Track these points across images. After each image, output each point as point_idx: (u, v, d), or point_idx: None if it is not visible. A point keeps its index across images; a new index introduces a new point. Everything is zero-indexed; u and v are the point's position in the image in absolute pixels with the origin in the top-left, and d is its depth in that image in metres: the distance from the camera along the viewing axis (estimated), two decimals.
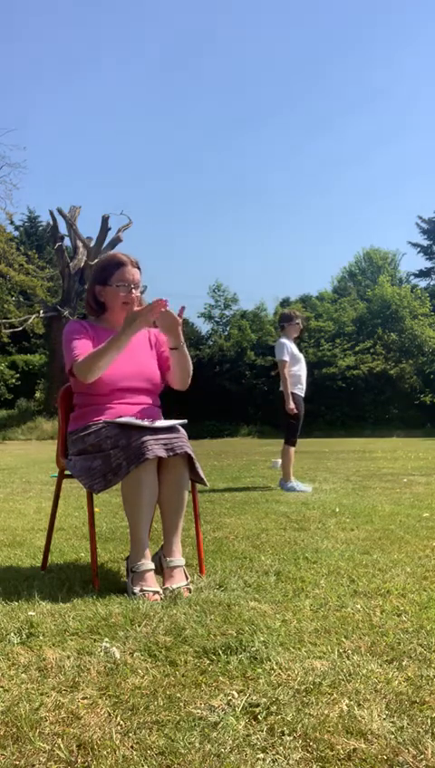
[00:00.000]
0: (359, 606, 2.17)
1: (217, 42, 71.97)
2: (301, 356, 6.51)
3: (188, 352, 2.74)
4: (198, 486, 2.75)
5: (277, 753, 1.26)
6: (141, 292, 2.76)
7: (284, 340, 6.45)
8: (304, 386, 6.46)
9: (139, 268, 2.73)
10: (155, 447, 2.40)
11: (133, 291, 2.70)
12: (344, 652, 1.76)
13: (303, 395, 6.46)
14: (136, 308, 2.70)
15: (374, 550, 3.09)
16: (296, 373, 6.40)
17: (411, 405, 25.94)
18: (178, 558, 2.48)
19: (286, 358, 6.31)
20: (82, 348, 2.61)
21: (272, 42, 68.93)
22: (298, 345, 6.65)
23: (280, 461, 6.65)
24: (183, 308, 2.62)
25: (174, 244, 70.03)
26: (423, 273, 37.37)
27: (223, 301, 30.97)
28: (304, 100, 69.94)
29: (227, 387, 26.63)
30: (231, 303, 31.07)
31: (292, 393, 6.31)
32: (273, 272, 66.11)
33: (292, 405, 6.25)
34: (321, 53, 68.33)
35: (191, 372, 2.78)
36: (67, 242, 27.14)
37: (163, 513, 2.54)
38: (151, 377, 2.72)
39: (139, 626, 1.98)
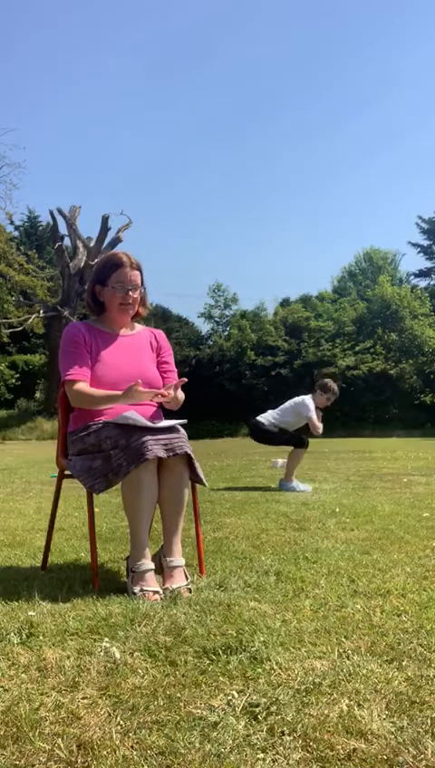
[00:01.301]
0: (359, 606, 2.17)
1: (218, 42, 72.01)
2: (316, 420, 6.39)
3: (179, 396, 2.68)
4: (198, 486, 2.75)
5: (277, 753, 1.26)
6: (141, 295, 2.76)
7: (310, 401, 6.38)
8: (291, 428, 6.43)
9: (139, 269, 2.72)
10: (155, 448, 2.40)
11: (130, 293, 2.69)
12: (344, 652, 1.76)
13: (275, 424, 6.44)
14: (128, 305, 2.72)
15: (374, 550, 3.09)
16: (291, 420, 6.39)
17: (411, 405, 25.95)
18: (178, 558, 2.48)
19: (312, 415, 6.27)
20: (79, 367, 2.62)
21: (275, 41, 68.96)
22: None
23: (280, 461, 6.67)
24: (183, 380, 2.63)
25: (174, 244, 70.08)
26: (423, 273, 37.39)
27: (223, 301, 31.03)
28: (304, 100, 69.98)
29: (227, 387, 26.66)
30: (231, 303, 31.14)
31: (284, 429, 6.34)
32: (273, 272, 66.19)
33: (319, 427, 6.31)
34: (322, 54, 68.38)
35: (183, 400, 2.75)
36: (67, 242, 27.16)
37: (163, 514, 2.54)
38: (151, 380, 2.72)
39: (139, 626, 1.98)
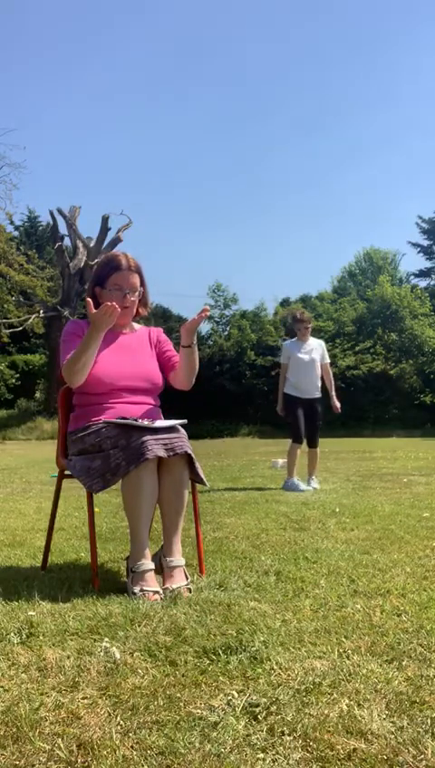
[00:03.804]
0: (359, 606, 2.17)
1: (218, 40, 71.98)
2: (304, 357, 6.51)
3: (197, 351, 2.74)
4: (198, 486, 2.75)
5: (277, 753, 1.26)
6: (141, 295, 2.77)
7: (287, 342, 6.70)
8: (302, 388, 6.51)
9: (138, 272, 2.73)
10: (155, 447, 2.40)
11: (128, 296, 2.70)
12: (344, 652, 1.76)
13: (301, 396, 6.50)
14: (133, 310, 2.74)
15: (374, 550, 3.09)
16: (292, 376, 6.51)
17: (411, 405, 25.94)
18: (178, 558, 2.48)
19: (283, 361, 6.58)
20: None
21: (275, 38, 68.95)
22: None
23: (280, 461, 6.73)
24: (207, 308, 2.62)
25: (174, 244, 70.08)
26: (423, 273, 37.37)
27: (223, 301, 30.99)
28: (305, 98, 69.98)
29: (227, 387, 26.62)
30: (231, 303, 31.09)
31: (285, 394, 6.52)
32: (273, 272, 66.18)
33: (279, 407, 6.60)
34: (325, 52, 68.34)
35: (197, 371, 2.78)
36: (67, 242, 27.15)
37: (163, 513, 2.54)
38: (151, 376, 2.72)
39: (139, 626, 1.98)
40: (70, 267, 26.29)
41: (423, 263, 38.12)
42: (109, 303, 2.46)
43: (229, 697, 1.49)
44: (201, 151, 69.82)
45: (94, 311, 2.48)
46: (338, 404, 6.63)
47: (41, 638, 1.91)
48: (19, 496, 5.80)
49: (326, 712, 1.41)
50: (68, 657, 1.75)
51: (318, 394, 6.52)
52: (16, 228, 36.14)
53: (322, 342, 6.76)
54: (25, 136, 72.36)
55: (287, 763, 1.22)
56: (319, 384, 6.54)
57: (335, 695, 1.50)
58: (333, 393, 6.63)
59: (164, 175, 70.10)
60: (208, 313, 2.62)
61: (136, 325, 2.89)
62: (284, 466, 7.62)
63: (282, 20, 68.01)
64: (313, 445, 6.48)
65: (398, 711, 1.42)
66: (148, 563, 2.40)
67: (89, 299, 2.56)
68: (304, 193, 68.66)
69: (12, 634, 1.94)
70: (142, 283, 2.75)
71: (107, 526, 3.97)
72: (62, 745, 1.29)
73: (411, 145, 67.96)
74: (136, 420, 2.48)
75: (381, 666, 1.66)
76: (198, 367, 2.78)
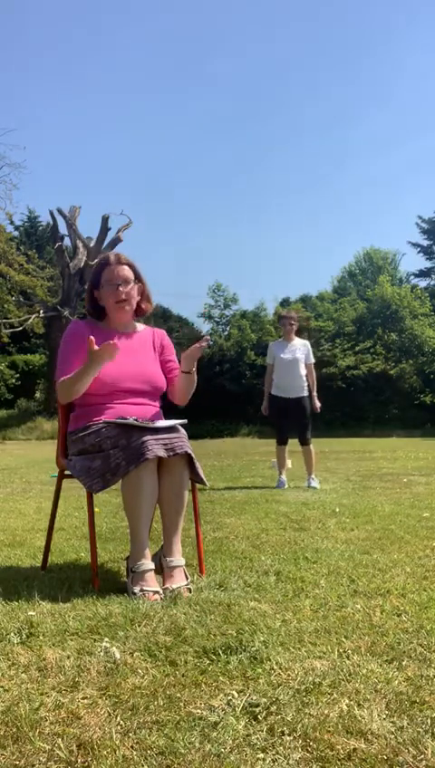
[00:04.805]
0: (359, 606, 2.17)
1: (218, 40, 71.96)
2: (286, 357, 6.61)
3: (196, 377, 2.78)
4: (198, 486, 2.75)
5: (277, 753, 1.26)
6: (140, 290, 2.77)
7: (272, 343, 6.84)
8: (283, 387, 6.60)
9: (129, 264, 2.73)
10: (155, 447, 2.40)
11: (121, 288, 2.70)
12: (344, 652, 1.76)
13: (285, 395, 6.59)
14: (123, 301, 2.71)
15: (374, 550, 3.09)
16: (276, 377, 6.63)
17: (411, 405, 25.94)
18: (178, 558, 2.48)
19: (268, 361, 6.72)
20: (72, 367, 2.62)
21: (276, 39, 68.91)
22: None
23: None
24: (207, 338, 2.65)
25: (174, 244, 70.06)
26: (423, 273, 37.36)
27: (223, 301, 30.99)
28: (304, 98, 69.95)
29: (227, 387, 26.61)
30: (231, 303, 31.10)
31: (271, 395, 6.65)
32: (273, 272, 66.18)
33: (264, 406, 6.76)
34: (327, 52, 68.30)
35: (193, 391, 2.82)
36: (67, 242, 27.15)
37: (163, 513, 2.54)
38: (152, 379, 2.72)
39: (139, 626, 1.98)
40: (70, 267, 26.28)
41: (423, 263, 38.15)
42: (111, 342, 2.45)
43: (229, 697, 1.49)
44: (201, 151, 69.82)
45: (96, 347, 2.47)
46: (318, 404, 6.65)
47: (41, 638, 1.91)
48: (19, 496, 5.80)
49: (326, 712, 1.41)
50: (68, 657, 1.75)
51: (304, 392, 6.57)
52: (16, 228, 36.13)
53: (306, 343, 6.83)
54: (25, 136, 72.35)
55: (287, 763, 1.22)
56: (304, 383, 6.59)
57: (335, 695, 1.50)
58: (315, 393, 6.64)
59: (164, 175, 70.11)
60: (209, 342, 2.67)
61: (139, 325, 2.89)
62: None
63: (282, 20, 67.99)
64: (304, 442, 6.52)
65: (398, 711, 1.42)
66: (148, 563, 2.41)
67: (91, 338, 2.50)
68: (304, 193, 68.68)
69: (12, 634, 1.94)
70: (138, 278, 2.75)
71: (107, 526, 3.97)
72: (62, 745, 1.29)
73: (411, 145, 67.96)
74: (136, 420, 2.48)
75: (381, 666, 1.66)
76: (194, 388, 2.82)
